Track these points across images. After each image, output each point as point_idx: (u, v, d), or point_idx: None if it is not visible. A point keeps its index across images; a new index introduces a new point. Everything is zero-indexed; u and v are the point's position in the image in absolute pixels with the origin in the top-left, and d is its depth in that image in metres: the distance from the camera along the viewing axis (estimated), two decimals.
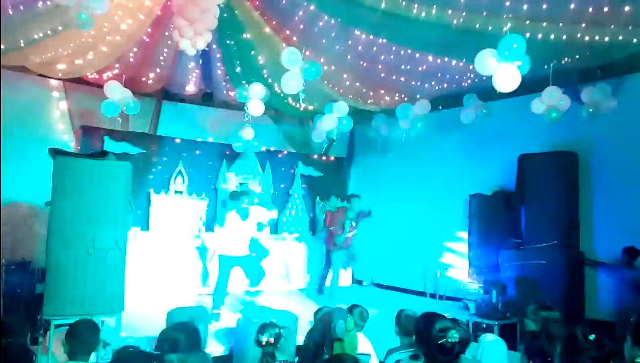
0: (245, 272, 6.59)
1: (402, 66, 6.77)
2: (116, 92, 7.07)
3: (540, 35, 5.40)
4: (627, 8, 4.77)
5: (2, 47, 6.10)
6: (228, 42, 7.04)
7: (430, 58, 6.38)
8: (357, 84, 7.65)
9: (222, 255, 6.38)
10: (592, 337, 2.37)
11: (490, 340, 3.75)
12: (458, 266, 8.10)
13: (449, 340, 2.58)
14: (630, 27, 5.13)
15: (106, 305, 4.89)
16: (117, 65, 7.22)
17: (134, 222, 7.33)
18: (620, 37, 5.32)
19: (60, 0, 4.55)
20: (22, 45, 6.21)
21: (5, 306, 5.30)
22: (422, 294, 8.48)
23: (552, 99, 5.99)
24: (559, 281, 6.17)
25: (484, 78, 5.61)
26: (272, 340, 3.29)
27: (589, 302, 6.34)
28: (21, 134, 7.29)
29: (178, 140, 8.41)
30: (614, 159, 6.46)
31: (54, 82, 7.75)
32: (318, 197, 9.67)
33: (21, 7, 5.45)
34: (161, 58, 7.19)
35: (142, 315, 5.81)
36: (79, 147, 7.68)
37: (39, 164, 7.10)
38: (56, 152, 5.04)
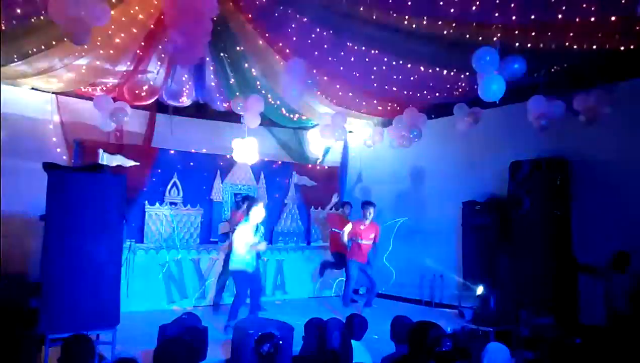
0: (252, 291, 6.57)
1: (394, 76, 6.84)
2: (107, 106, 7.10)
3: (529, 45, 5.49)
4: (613, 18, 4.87)
5: None
6: (221, 54, 7.09)
7: (422, 68, 6.45)
8: (350, 94, 7.71)
9: (238, 271, 6.26)
10: (577, 340, 2.42)
11: (494, 347, 3.77)
12: (452, 273, 8.12)
13: (443, 348, 2.61)
14: (616, 36, 5.23)
15: (102, 319, 4.89)
16: (110, 78, 7.24)
17: (129, 234, 7.33)
18: (608, 45, 5.42)
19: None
20: (15, 59, 6.24)
21: (1, 321, 5.27)
22: (418, 302, 8.50)
23: (538, 107, 6.08)
24: (552, 287, 6.21)
25: (475, 87, 5.69)
26: (272, 350, 3.30)
27: (583, 308, 6.37)
28: (14, 147, 7.28)
29: (172, 152, 8.43)
30: (606, 165, 6.53)
31: (47, 96, 7.76)
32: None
33: (14, 22, 5.48)
34: (155, 71, 7.22)
35: (137, 329, 5.79)
36: (72, 161, 7.66)
37: (33, 178, 7.10)
38: (50, 166, 5.06)
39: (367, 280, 7.86)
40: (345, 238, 7.51)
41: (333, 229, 8.49)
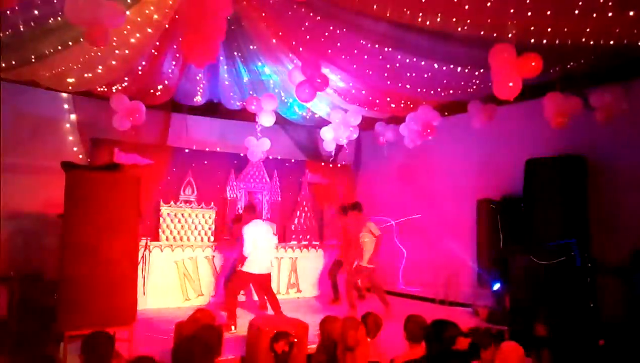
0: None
1: (408, 74, 6.80)
2: (122, 105, 7.18)
3: (545, 40, 5.43)
4: (631, 13, 4.79)
5: (12, 62, 6.22)
6: (235, 53, 7.12)
7: (436, 65, 6.41)
8: (363, 92, 7.70)
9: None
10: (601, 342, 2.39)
11: (508, 345, 3.75)
12: (467, 272, 8.08)
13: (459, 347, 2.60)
14: (634, 31, 5.15)
15: (118, 316, 4.95)
16: (125, 78, 7.31)
17: (144, 232, 7.40)
18: (626, 41, 5.34)
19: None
20: (32, 60, 6.32)
21: (19, 319, 5.37)
22: (431, 300, 8.47)
23: (554, 104, 6.01)
24: (570, 286, 6.14)
25: (490, 84, 5.64)
26: (287, 348, 3.33)
27: (602, 307, 6.28)
28: (32, 146, 7.40)
29: (186, 151, 8.50)
30: (624, 162, 6.44)
31: (63, 96, 7.87)
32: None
33: (32, 23, 5.56)
34: (169, 70, 7.28)
35: (154, 326, 5.86)
36: (88, 159, 7.77)
37: (51, 177, 7.22)
38: (68, 166, 5.13)
39: None
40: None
41: None
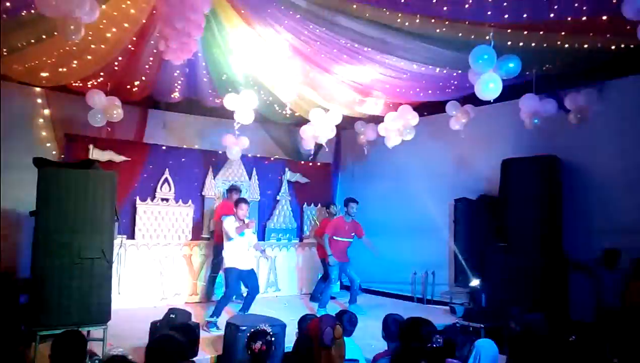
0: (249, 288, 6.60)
1: (387, 74, 6.83)
2: (98, 101, 7.05)
3: (521, 43, 5.52)
4: (604, 17, 4.90)
5: None
6: (214, 50, 7.04)
7: (415, 66, 6.46)
8: (343, 91, 7.70)
9: (233, 268, 6.33)
10: (572, 338, 2.44)
11: (482, 343, 3.80)
12: (444, 270, 8.16)
13: (434, 345, 2.63)
14: (607, 35, 5.27)
15: (92, 316, 4.87)
16: (101, 73, 7.18)
17: (120, 230, 7.29)
18: (599, 44, 5.47)
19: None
20: (5, 53, 6.17)
21: None
22: (409, 299, 8.53)
23: (529, 106, 6.12)
24: (543, 284, 6.26)
25: (467, 85, 5.71)
26: (264, 347, 3.30)
27: (573, 305, 6.43)
28: (3, 142, 7.20)
29: (164, 148, 8.39)
30: (596, 162, 6.60)
31: (37, 90, 7.68)
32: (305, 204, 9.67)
33: (4, 15, 5.41)
34: (146, 66, 7.16)
35: (129, 325, 5.77)
36: (62, 156, 7.61)
37: (22, 173, 7.04)
38: (41, 162, 5.02)
39: (346, 278, 7.85)
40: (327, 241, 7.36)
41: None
